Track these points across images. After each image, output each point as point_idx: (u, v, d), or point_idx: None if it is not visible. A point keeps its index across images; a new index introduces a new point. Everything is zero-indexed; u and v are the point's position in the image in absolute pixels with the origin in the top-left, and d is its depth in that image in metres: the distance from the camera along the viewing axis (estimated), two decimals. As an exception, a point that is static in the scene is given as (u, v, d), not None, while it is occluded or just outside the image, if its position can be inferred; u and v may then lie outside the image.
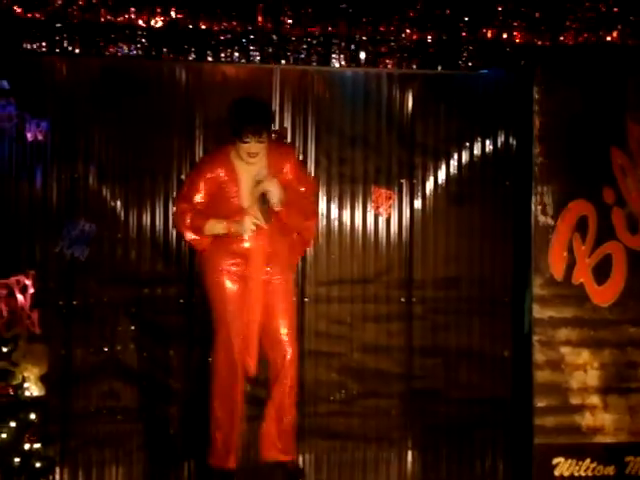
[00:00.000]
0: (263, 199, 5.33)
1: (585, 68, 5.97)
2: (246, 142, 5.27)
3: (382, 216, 6.08)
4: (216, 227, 5.42)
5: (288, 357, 5.44)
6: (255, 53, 5.90)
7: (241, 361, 5.46)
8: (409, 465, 6.11)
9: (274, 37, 5.89)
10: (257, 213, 5.36)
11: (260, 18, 5.86)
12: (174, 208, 5.53)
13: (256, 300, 5.49)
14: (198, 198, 5.41)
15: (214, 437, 5.44)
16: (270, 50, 5.91)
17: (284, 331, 5.51)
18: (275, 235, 5.50)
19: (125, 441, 5.89)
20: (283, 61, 5.94)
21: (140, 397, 5.92)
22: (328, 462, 6.07)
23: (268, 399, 5.42)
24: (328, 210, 6.10)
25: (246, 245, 5.44)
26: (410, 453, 6.11)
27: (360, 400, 6.10)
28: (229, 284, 5.49)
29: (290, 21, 5.89)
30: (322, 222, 6.06)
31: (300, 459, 5.88)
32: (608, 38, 6.01)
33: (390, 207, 6.06)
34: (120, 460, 5.90)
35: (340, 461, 6.08)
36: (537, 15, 5.98)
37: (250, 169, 5.42)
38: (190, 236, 5.45)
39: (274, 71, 5.97)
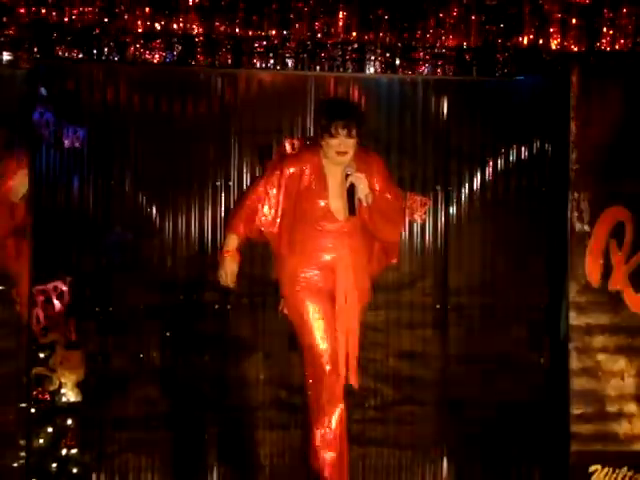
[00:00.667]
0: (350, 192, 5.14)
1: (621, 74, 5.92)
2: (335, 137, 5.10)
3: (417, 222, 6.08)
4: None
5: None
6: (290, 60, 5.82)
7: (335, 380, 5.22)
8: (444, 472, 6.09)
9: (309, 44, 5.82)
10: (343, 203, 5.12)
11: (295, 25, 5.84)
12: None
13: (347, 315, 5.23)
14: (271, 194, 5.21)
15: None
16: (305, 57, 5.83)
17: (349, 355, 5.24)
18: (359, 245, 5.30)
19: (161, 448, 5.91)
20: (318, 67, 5.86)
21: (176, 404, 5.93)
22: (363, 468, 6.08)
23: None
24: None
25: (328, 253, 5.22)
26: (445, 461, 6.11)
27: (395, 407, 6.10)
28: (312, 300, 5.23)
29: (325, 28, 5.84)
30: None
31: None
32: None
33: (425, 213, 6.05)
34: (155, 467, 5.92)
35: (375, 467, 6.09)
36: (573, 21, 5.89)
37: (338, 170, 5.22)
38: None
39: (309, 78, 5.97)
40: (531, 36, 5.90)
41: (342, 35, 5.85)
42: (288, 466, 5.99)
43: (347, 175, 5.14)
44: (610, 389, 5.94)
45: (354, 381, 5.24)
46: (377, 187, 5.24)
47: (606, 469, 5.91)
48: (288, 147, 5.82)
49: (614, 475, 5.89)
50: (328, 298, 5.25)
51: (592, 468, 5.90)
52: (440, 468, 6.08)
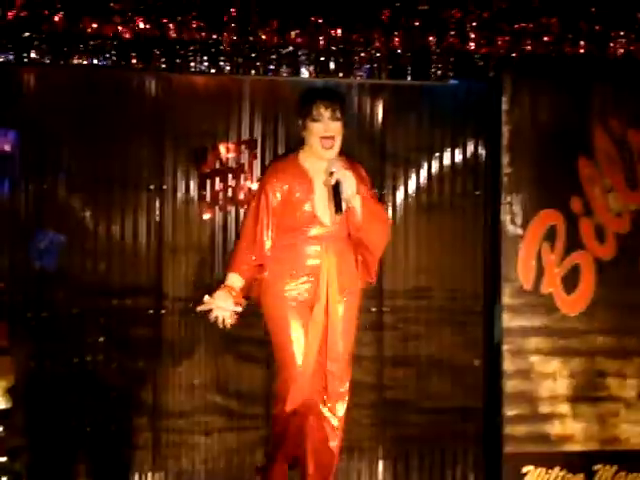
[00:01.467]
0: (335, 190, 4.94)
1: (552, 79, 6.01)
2: (318, 121, 4.91)
3: (352, 226, 6.11)
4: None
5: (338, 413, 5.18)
6: (225, 64, 5.84)
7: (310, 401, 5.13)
8: (380, 475, 6.11)
9: (243, 47, 5.83)
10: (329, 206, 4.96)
11: (229, 28, 5.84)
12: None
13: (318, 327, 5.06)
14: (265, 236, 5.03)
15: None
16: (240, 60, 5.85)
17: (337, 377, 5.14)
18: (345, 249, 5.13)
19: (94, 453, 5.83)
20: (253, 71, 5.88)
21: (109, 409, 5.86)
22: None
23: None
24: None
25: (313, 260, 5.04)
26: (381, 463, 6.13)
27: (331, 410, 6.15)
28: (293, 313, 5.04)
29: (259, 31, 5.85)
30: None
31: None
32: (575, 49, 6.03)
33: None
34: (89, 472, 5.85)
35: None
36: (505, 26, 6.01)
37: (323, 167, 4.99)
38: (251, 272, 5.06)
39: (243, 82, 5.92)
40: (464, 40, 5.98)
41: (277, 38, 5.87)
42: (223, 469, 5.97)
43: (332, 172, 4.94)
44: (543, 390, 6.04)
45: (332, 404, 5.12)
46: (363, 193, 5.05)
47: (539, 470, 6.01)
48: (223, 150, 5.85)
49: (547, 476, 5.99)
50: (311, 309, 5.09)
51: (525, 469, 5.98)
52: (376, 471, 6.10)
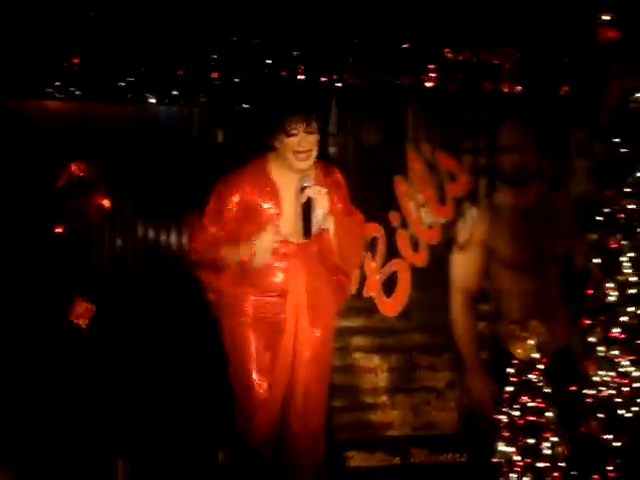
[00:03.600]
0: (306, 209, 4.31)
1: (371, 106, 6.52)
2: (293, 134, 4.24)
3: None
4: (234, 252, 4.30)
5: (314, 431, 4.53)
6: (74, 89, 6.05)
7: (264, 430, 4.49)
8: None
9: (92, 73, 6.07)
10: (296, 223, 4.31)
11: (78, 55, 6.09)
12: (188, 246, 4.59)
13: (286, 354, 4.41)
14: (218, 229, 4.38)
15: None
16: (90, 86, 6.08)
17: (313, 403, 4.48)
18: (317, 269, 4.47)
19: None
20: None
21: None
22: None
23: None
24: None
25: (279, 278, 4.40)
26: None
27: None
28: (254, 334, 4.41)
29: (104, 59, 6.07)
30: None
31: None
32: (392, 80, 6.51)
33: None
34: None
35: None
36: (328, 56, 6.39)
37: (293, 183, 4.35)
38: (206, 276, 4.42)
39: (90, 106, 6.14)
40: (291, 70, 6.32)
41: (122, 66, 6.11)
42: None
43: (303, 187, 4.32)
44: (366, 383, 6.47)
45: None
46: (340, 207, 4.51)
47: (362, 454, 6.43)
48: (75, 169, 6.19)
49: (369, 459, 6.41)
50: (278, 330, 4.46)
51: (350, 453, 6.38)
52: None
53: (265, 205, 4.41)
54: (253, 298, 4.47)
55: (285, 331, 4.43)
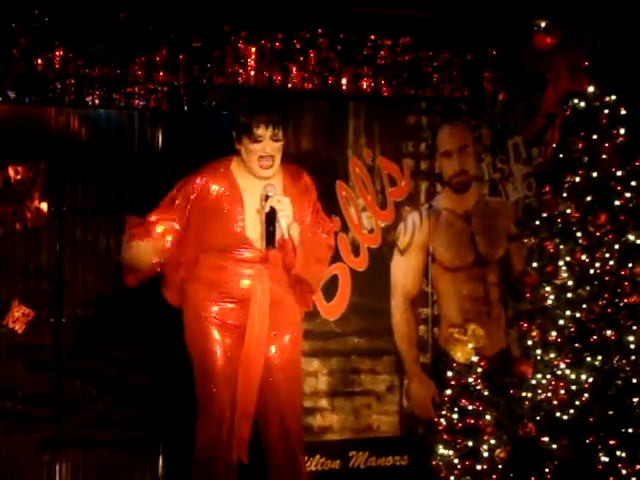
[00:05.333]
0: (269, 219, 4.19)
1: (313, 111, 6.54)
2: (258, 140, 4.13)
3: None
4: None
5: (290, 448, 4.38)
6: (11, 92, 6.06)
7: (230, 443, 4.31)
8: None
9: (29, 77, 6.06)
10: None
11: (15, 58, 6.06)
12: None
13: (254, 360, 4.28)
14: (170, 218, 4.25)
15: None
16: (24, 89, 6.07)
17: (285, 411, 4.35)
18: (282, 276, 4.37)
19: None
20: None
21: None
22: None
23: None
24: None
25: (244, 285, 4.29)
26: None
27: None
28: (217, 337, 4.28)
29: (42, 62, 6.09)
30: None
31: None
32: (335, 87, 6.58)
33: None
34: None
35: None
36: (269, 60, 6.44)
37: (257, 188, 4.24)
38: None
39: (31, 109, 6.14)
40: (234, 75, 6.39)
41: (61, 69, 6.13)
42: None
43: (267, 197, 4.22)
44: (306, 387, 6.37)
45: (243, 453, 4.31)
46: (307, 218, 4.38)
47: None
48: (12, 172, 6.16)
49: (308, 463, 6.33)
50: (240, 336, 4.32)
51: None
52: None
53: (229, 206, 4.31)
54: (213, 302, 4.36)
55: (246, 339, 4.32)
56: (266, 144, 4.21)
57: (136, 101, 6.30)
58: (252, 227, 4.30)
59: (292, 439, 4.40)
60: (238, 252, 4.33)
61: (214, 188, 4.28)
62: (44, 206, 6.14)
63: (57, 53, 6.13)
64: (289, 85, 6.51)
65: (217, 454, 4.31)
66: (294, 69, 6.55)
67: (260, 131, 4.17)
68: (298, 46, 6.52)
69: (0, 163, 6.11)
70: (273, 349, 4.38)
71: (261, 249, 4.30)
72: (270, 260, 4.33)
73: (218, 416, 4.30)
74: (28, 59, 6.09)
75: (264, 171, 4.23)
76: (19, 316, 6.05)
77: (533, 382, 5.88)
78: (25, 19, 6.02)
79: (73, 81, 6.18)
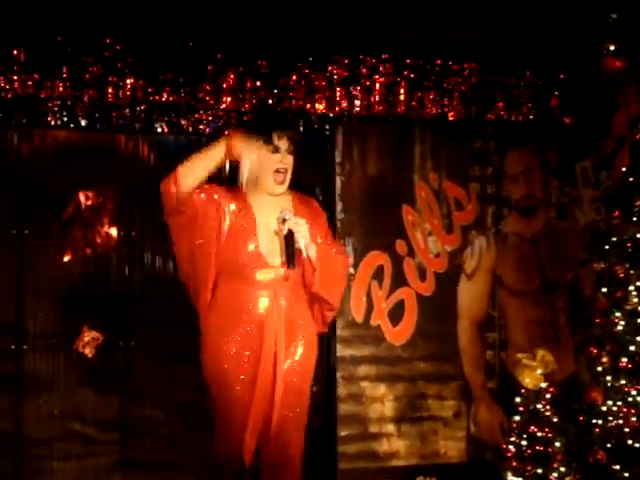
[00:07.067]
0: (288, 241, 4.32)
1: (379, 136, 6.59)
2: (277, 150, 4.33)
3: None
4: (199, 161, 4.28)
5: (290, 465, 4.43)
6: (83, 119, 6.20)
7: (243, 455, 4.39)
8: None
9: (100, 104, 6.21)
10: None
11: (86, 85, 6.20)
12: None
13: (269, 381, 4.35)
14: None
15: None
16: (97, 116, 6.22)
17: (290, 429, 4.39)
18: (300, 295, 4.45)
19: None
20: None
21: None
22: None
23: None
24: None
25: (260, 308, 4.35)
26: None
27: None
28: (235, 369, 4.35)
29: (112, 89, 6.22)
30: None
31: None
32: (398, 111, 6.62)
33: None
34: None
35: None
36: (338, 89, 6.53)
37: (268, 207, 4.39)
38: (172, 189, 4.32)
39: (101, 136, 6.26)
40: (300, 101, 6.47)
41: (130, 96, 6.25)
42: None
43: (284, 220, 4.34)
44: (372, 413, 6.50)
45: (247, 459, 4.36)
46: (319, 239, 4.46)
47: None
48: (82, 198, 6.25)
49: None
50: (256, 358, 4.37)
51: None
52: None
53: (243, 224, 4.43)
54: (228, 332, 4.41)
55: (262, 360, 4.38)
56: (283, 155, 4.37)
57: (204, 127, 6.40)
58: (266, 244, 4.40)
59: (291, 451, 4.46)
60: (252, 273, 4.39)
61: (231, 207, 4.40)
62: (113, 231, 6.23)
63: (127, 81, 6.26)
64: (356, 109, 6.56)
65: (231, 465, 4.42)
66: (360, 94, 6.57)
67: (280, 142, 4.36)
68: (364, 71, 6.54)
69: (71, 189, 6.24)
70: (286, 366, 4.42)
71: (276, 266, 4.39)
72: (290, 279, 4.41)
73: (236, 439, 4.39)
74: (99, 87, 6.24)
75: (278, 187, 4.39)
76: (89, 340, 6.13)
77: (603, 409, 5.81)
78: (96, 48, 6.16)
79: (143, 108, 6.29)
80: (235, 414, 4.36)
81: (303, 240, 4.32)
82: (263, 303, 4.37)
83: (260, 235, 4.39)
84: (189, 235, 4.40)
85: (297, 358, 4.45)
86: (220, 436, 4.45)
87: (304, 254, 4.35)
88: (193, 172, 4.35)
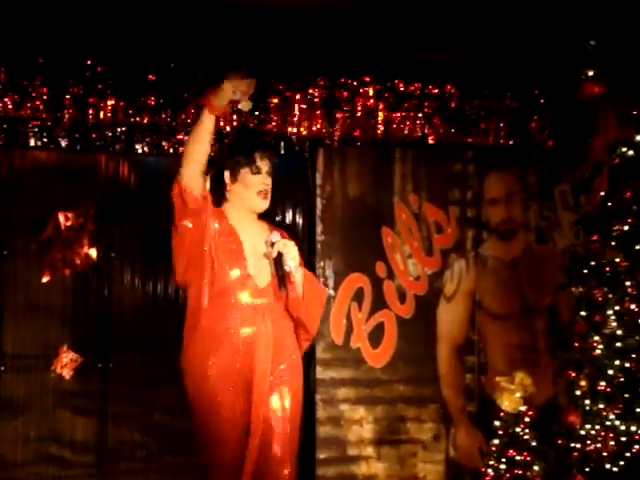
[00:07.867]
0: (277, 263, 4.28)
1: (359, 158, 6.62)
2: (259, 171, 4.28)
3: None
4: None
5: None
6: (63, 140, 6.21)
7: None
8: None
9: (80, 125, 6.22)
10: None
11: (68, 107, 6.21)
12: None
13: (261, 406, 4.22)
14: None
15: None
16: (77, 136, 6.24)
17: (280, 455, 4.26)
18: (286, 318, 4.40)
19: None
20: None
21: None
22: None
23: None
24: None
25: (245, 333, 4.27)
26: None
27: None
28: (221, 395, 4.24)
29: (92, 111, 6.24)
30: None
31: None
32: (377, 134, 6.65)
33: None
34: None
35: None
36: (318, 112, 6.56)
37: (250, 230, 4.36)
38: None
39: (81, 157, 6.27)
40: (280, 122, 6.49)
41: (111, 117, 6.26)
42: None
43: (272, 243, 4.31)
44: (351, 435, 6.48)
45: None
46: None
47: None
48: (62, 219, 6.24)
49: None
50: (245, 389, 4.27)
51: None
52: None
53: (229, 246, 4.34)
54: (214, 355, 4.28)
55: (254, 387, 4.27)
56: (264, 177, 4.33)
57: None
58: (253, 265, 4.34)
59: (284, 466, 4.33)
60: (240, 293, 4.31)
61: (216, 226, 4.31)
62: (93, 252, 6.22)
63: (108, 102, 6.26)
64: (336, 132, 6.58)
65: None
66: (341, 117, 6.59)
67: (262, 164, 4.32)
68: (345, 94, 6.57)
69: (50, 209, 6.23)
70: (274, 394, 4.32)
71: (266, 285, 4.33)
72: (272, 299, 4.35)
73: (230, 468, 4.26)
74: (80, 108, 6.24)
75: (263, 201, 4.34)
76: (67, 362, 6.11)
77: (582, 432, 5.81)
78: (77, 69, 6.16)
79: (124, 129, 6.29)
80: (229, 453, 4.24)
81: (293, 262, 4.28)
82: (248, 329, 4.28)
83: (247, 256, 4.33)
84: (196, 240, 4.28)
85: (285, 380, 4.35)
86: (212, 462, 4.32)
87: (292, 276, 4.29)
88: (191, 155, 4.27)
